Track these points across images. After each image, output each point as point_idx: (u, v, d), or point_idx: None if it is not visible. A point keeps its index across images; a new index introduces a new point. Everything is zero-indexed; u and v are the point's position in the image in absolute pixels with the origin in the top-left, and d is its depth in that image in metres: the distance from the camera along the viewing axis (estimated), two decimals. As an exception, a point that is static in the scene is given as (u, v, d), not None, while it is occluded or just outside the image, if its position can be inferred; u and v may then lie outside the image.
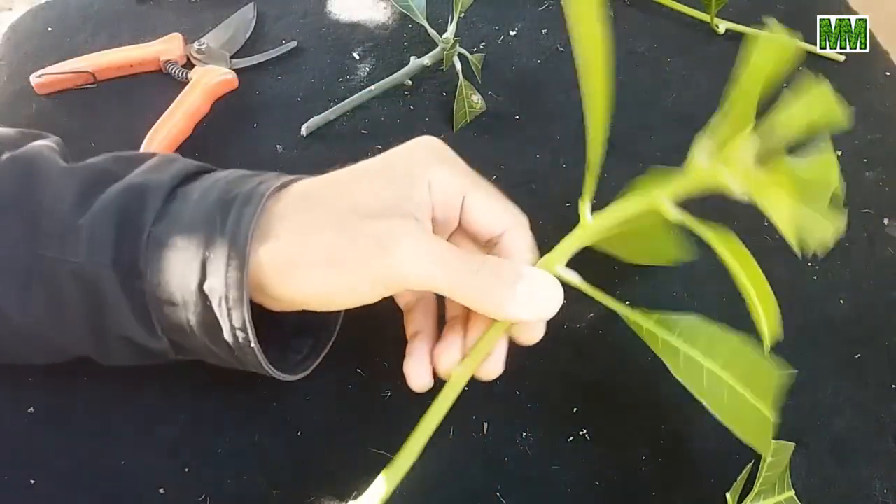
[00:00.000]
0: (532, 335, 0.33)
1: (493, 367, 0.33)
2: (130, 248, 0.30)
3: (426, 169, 0.31)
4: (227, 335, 0.31)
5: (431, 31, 0.51)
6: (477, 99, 0.51)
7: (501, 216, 0.33)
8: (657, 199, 0.29)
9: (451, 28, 0.51)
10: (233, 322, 0.30)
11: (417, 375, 0.33)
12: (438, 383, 0.33)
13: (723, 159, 0.27)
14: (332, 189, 0.32)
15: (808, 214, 0.26)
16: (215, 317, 0.30)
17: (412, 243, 0.29)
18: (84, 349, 0.34)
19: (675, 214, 0.29)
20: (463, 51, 0.52)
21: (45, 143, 0.35)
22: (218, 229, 0.30)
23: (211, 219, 0.30)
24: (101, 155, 0.35)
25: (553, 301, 0.30)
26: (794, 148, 0.27)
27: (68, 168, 0.33)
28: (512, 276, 0.29)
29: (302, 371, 0.36)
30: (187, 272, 0.30)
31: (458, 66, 0.51)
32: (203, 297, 0.30)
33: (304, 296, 0.31)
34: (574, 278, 0.32)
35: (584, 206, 0.32)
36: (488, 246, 0.34)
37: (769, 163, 0.26)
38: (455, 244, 0.33)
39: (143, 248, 0.30)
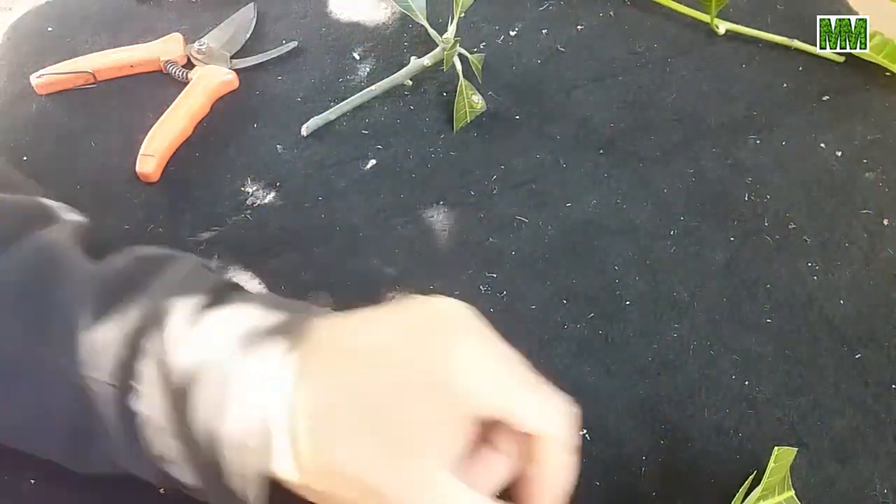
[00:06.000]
0: None
1: None
2: (139, 370, 0.29)
3: (468, 401, 0.27)
4: (229, 479, 0.28)
5: (432, 31, 0.51)
6: (477, 99, 0.51)
7: (535, 426, 0.29)
8: None
9: (452, 28, 0.51)
10: (245, 470, 0.28)
11: None
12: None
13: None
14: (363, 380, 0.28)
15: None
16: (219, 462, 0.28)
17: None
18: (55, 456, 0.33)
19: None
20: (463, 51, 0.52)
21: (68, 231, 0.34)
22: (240, 373, 0.28)
23: (233, 358, 0.28)
24: (123, 252, 0.33)
25: None
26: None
27: (90, 270, 0.32)
28: None
29: None
30: (207, 411, 0.28)
31: (459, 67, 0.51)
32: (219, 441, 0.28)
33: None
34: None
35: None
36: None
37: None
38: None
39: (157, 373, 0.29)
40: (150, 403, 0.29)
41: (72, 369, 0.30)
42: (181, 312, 0.30)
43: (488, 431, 0.30)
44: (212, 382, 0.28)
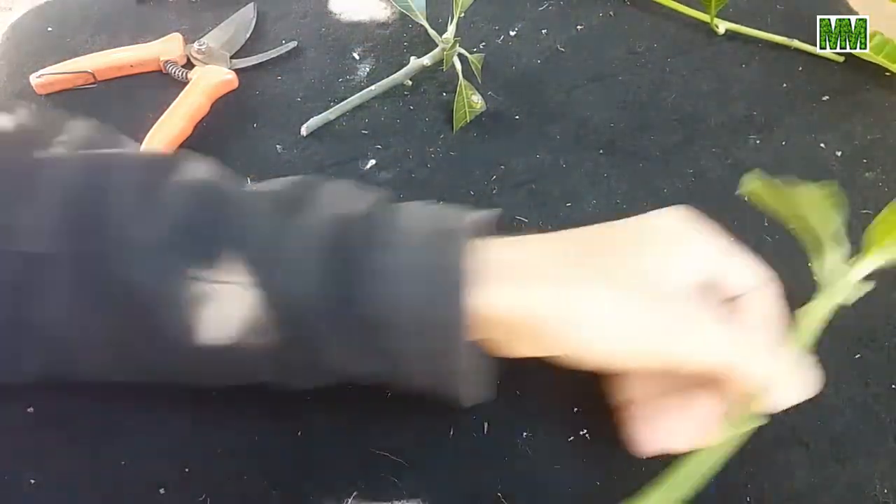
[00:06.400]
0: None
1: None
2: (345, 278, 0.30)
3: (686, 242, 0.32)
4: (458, 358, 0.30)
5: (431, 31, 0.51)
6: (477, 99, 0.51)
7: (745, 280, 0.33)
8: None
9: (451, 28, 0.51)
10: (460, 348, 0.30)
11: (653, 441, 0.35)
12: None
13: None
14: (590, 246, 0.32)
15: None
16: (440, 342, 0.30)
17: (703, 331, 0.31)
18: (265, 375, 0.34)
19: None
20: (463, 51, 0.52)
21: (208, 167, 0.34)
22: (439, 259, 0.30)
23: (430, 248, 0.30)
24: (271, 181, 0.34)
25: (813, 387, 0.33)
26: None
27: (255, 193, 0.32)
28: (788, 365, 0.32)
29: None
30: (413, 299, 0.29)
31: (458, 67, 0.51)
32: (431, 324, 0.29)
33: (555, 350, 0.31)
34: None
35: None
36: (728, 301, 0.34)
37: None
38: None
39: (364, 277, 0.30)
40: (377, 303, 0.29)
41: (271, 289, 0.30)
42: (363, 221, 0.31)
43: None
44: (418, 275, 0.29)
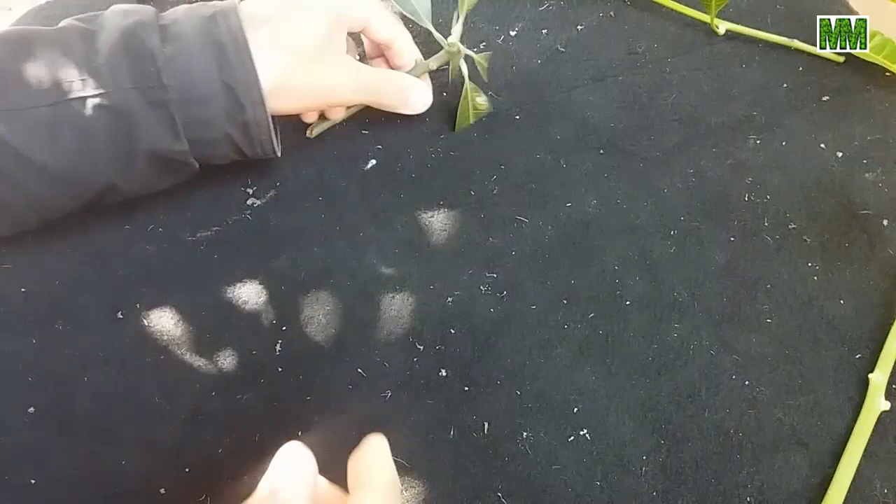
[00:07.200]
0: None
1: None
2: (149, 69, 0.37)
3: (342, 16, 0.44)
4: (248, 114, 0.39)
5: (437, 36, 0.51)
6: (482, 100, 0.51)
7: (392, 33, 0.47)
8: None
9: (457, 29, 0.51)
10: (252, 97, 0.39)
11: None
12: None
13: None
14: (276, 19, 0.42)
15: None
16: (238, 99, 0.39)
17: (345, 77, 0.44)
18: (111, 177, 0.39)
19: None
20: (469, 52, 0.52)
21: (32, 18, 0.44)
22: (217, 35, 0.38)
23: (207, 30, 0.38)
24: (56, 26, 0.40)
25: (427, 99, 0.50)
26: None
27: (56, 30, 0.38)
28: (406, 88, 0.48)
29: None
30: (208, 72, 0.38)
31: (465, 70, 0.51)
32: (225, 86, 0.38)
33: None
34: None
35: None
36: (385, 48, 0.48)
37: None
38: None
39: (162, 65, 0.37)
40: (175, 89, 0.37)
41: (97, 95, 0.36)
42: (149, 24, 0.38)
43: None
44: (207, 54, 0.38)
